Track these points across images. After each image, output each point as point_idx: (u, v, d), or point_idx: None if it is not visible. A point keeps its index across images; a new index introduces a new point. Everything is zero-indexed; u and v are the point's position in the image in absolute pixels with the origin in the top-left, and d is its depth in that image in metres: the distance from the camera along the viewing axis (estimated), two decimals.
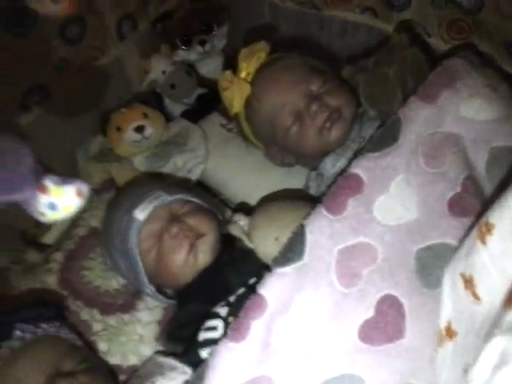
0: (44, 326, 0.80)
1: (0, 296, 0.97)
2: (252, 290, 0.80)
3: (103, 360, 0.90)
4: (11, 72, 0.96)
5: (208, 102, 1.29)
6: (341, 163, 0.97)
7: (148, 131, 1.12)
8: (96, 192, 1.14)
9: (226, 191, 1.16)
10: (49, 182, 0.60)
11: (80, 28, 1.06)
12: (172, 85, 1.25)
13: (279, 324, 0.75)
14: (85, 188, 0.63)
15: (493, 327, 0.47)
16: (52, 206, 0.61)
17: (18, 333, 0.78)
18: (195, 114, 1.27)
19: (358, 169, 0.84)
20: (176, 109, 1.30)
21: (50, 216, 0.62)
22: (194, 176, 1.15)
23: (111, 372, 0.88)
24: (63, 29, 1.02)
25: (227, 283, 0.88)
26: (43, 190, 0.60)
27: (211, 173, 1.17)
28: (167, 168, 1.14)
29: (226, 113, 1.22)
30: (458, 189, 0.80)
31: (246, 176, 1.14)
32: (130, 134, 1.11)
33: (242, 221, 0.95)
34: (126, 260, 0.91)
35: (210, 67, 1.36)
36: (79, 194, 0.63)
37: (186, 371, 0.80)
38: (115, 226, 0.92)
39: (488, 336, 0.47)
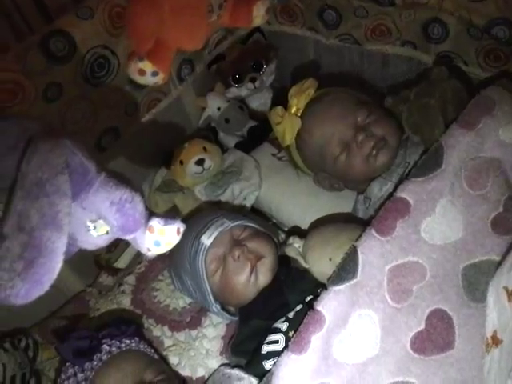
0: (127, 341, 0.91)
1: (82, 316, 1.09)
2: (309, 306, 0.88)
3: (177, 372, 1.00)
4: (89, 117, 1.10)
5: (259, 134, 1.39)
6: (387, 187, 1.04)
7: (208, 163, 1.23)
8: None
9: (277, 215, 1.26)
10: (155, 224, 0.71)
11: None
12: (226, 119, 1.36)
13: (337, 337, 0.82)
14: (182, 228, 0.75)
15: None
16: (157, 243, 0.73)
17: (105, 347, 0.89)
18: (247, 145, 1.38)
19: (405, 193, 0.91)
20: (230, 141, 1.41)
21: (154, 251, 0.74)
22: (249, 202, 1.25)
23: (184, 382, 0.98)
24: None
25: (286, 301, 0.96)
26: (151, 230, 0.71)
27: (264, 199, 1.27)
28: (225, 195, 1.25)
29: (276, 143, 1.32)
30: (501, 209, 0.86)
31: (296, 201, 1.23)
32: (192, 167, 1.22)
33: (296, 243, 1.03)
34: (194, 281, 1.01)
35: (259, 101, 1.47)
36: (178, 232, 0.74)
37: (252, 381, 0.88)
38: (185, 251, 1.02)
39: None
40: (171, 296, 1.10)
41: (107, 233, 0.69)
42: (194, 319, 1.07)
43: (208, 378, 0.99)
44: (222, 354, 1.02)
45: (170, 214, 1.26)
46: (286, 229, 1.23)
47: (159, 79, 0.90)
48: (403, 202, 0.91)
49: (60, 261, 0.55)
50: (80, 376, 0.84)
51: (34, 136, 0.55)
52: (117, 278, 1.18)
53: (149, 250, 0.74)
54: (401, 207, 0.90)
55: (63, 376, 0.87)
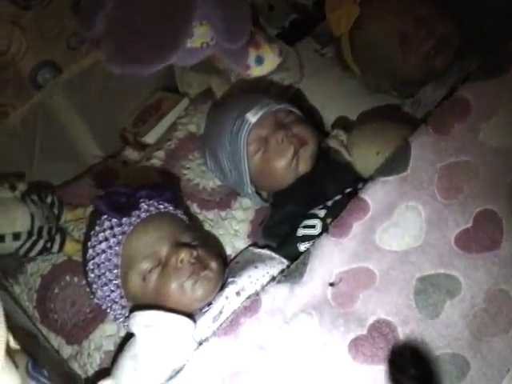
0: (165, 204, 0.88)
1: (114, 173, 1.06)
2: (349, 197, 0.86)
3: (212, 239, 0.99)
4: None
5: (301, 27, 1.31)
6: (441, 91, 1.00)
7: None
8: (193, 101, 1.21)
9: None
10: (261, 39, 0.65)
11: None
12: (270, 6, 1.28)
13: (381, 226, 0.81)
14: (284, 50, 0.69)
15: None
16: (259, 60, 0.68)
17: (144, 206, 0.85)
18: (288, 38, 1.30)
19: (467, 93, 0.87)
20: (270, 31, 1.33)
21: (253, 69, 0.69)
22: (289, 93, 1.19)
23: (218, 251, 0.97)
24: None
25: (324, 190, 0.94)
26: (256, 45, 0.66)
27: (304, 96, 1.21)
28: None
29: (320, 39, 1.25)
30: None
31: (337, 101, 1.17)
32: None
33: (340, 136, 1.00)
34: (232, 160, 0.98)
35: None
36: (281, 53, 0.69)
37: (283, 261, 0.87)
38: (225, 129, 0.97)
39: None
40: (201, 176, 1.08)
41: (201, 45, 0.63)
42: (223, 201, 1.05)
43: (235, 256, 0.98)
44: (249, 236, 1.02)
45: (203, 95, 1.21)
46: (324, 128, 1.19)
47: None
48: (464, 102, 0.86)
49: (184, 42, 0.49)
50: (117, 229, 0.81)
51: None
52: (144, 154, 1.15)
53: (248, 67, 0.69)
54: (461, 107, 0.86)
55: (98, 228, 0.84)
